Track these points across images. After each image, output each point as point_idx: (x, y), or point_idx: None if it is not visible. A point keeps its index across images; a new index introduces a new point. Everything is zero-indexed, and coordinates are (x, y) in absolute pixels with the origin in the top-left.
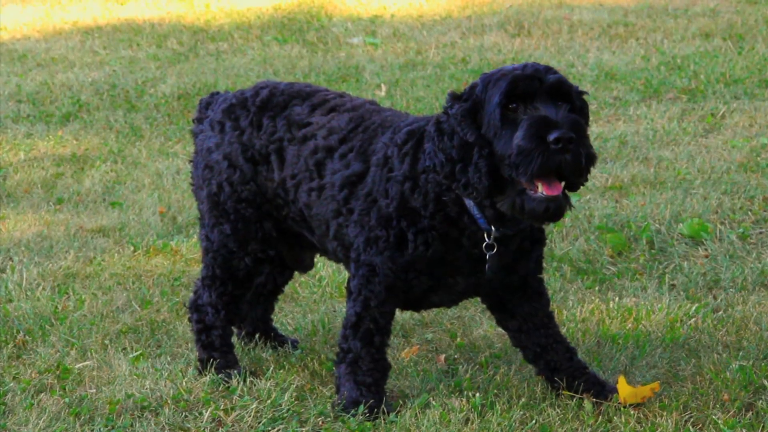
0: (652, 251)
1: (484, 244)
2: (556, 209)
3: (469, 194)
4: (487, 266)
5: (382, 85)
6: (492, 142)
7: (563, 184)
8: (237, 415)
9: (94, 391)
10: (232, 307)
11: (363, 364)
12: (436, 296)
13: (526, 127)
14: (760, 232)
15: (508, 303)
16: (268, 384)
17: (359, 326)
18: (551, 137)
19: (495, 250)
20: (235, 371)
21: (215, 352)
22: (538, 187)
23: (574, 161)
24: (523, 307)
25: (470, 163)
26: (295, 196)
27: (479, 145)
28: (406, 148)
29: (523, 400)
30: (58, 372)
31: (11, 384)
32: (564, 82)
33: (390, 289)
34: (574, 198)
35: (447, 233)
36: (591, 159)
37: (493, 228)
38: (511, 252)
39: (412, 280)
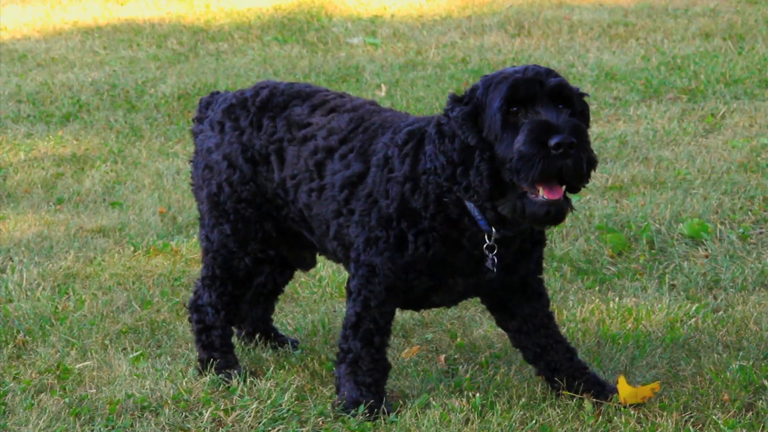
0: (652, 251)
1: (484, 246)
2: (557, 213)
3: (470, 197)
4: (495, 267)
5: (382, 85)
6: (493, 145)
7: (564, 187)
8: (237, 416)
9: (95, 391)
10: (232, 308)
11: (363, 364)
12: (436, 296)
13: (527, 132)
14: (760, 232)
15: (508, 303)
16: (268, 384)
17: (359, 326)
18: (552, 142)
19: (496, 251)
20: (235, 371)
21: (215, 352)
22: (539, 191)
23: (575, 166)
24: (523, 307)
25: (471, 166)
26: (295, 196)
27: (480, 148)
28: (407, 148)
29: (523, 400)
30: (58, 372)
31: (11, 384)
32: (565, 86)
33: (390, 289)
34: (574, 198)
35: (447, 234)
36: (592, 163)
37: (493, 229)
38: (512, 253)
39: (413, 280)
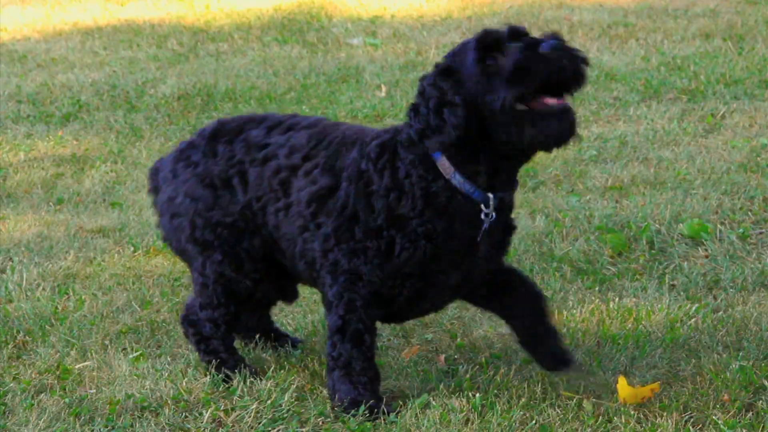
0: (652, 251)
1: (482, 214)
2: (571, 122)
3: (443, 136)
4: (492, 216)
5: (382, 85)
6: (477, 97)
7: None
8: (237, 416)
9: (94, 391)
10: (233, 323)
11: (356, 364)
12: (425, 301)
13: (516, 50)
14: (760, 233)
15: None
16: (268, 384)
17: (346, 329)
18: (545, 48)
19: (494, 217)
20: (245, 369)
21: (221, 354)
22: (543, 102)
23: (572, 63)
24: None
25: (446, 106)
26: (263, 219)
27: (454, 89)
28: (382, 162)
29: (523, 400)
30: (58, 372)
31: (11, 384)
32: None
33: (374, 294)
34: (573, 198)
35: (436, 228)
36: (586, 61)
37: (490, 195)
38: (501, 229)
39: (400, 285)
